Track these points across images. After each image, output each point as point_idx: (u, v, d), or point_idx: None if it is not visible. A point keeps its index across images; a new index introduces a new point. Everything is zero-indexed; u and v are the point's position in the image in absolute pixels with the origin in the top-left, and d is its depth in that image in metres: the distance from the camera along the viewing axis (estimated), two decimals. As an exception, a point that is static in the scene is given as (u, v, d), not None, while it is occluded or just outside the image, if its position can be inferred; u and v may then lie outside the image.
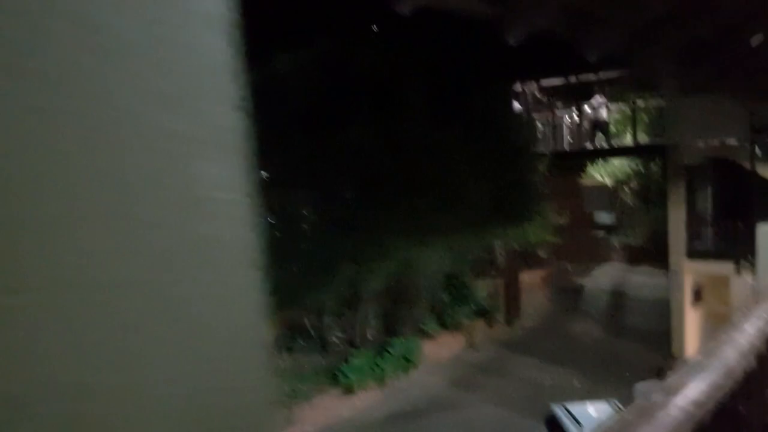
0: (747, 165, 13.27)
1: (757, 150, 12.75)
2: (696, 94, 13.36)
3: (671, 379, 1.22)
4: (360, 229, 12.57)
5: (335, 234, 12.67)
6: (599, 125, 17.98)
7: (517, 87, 18.87)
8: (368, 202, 13.08)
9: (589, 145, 18.48)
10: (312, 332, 13.55)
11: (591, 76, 17.19)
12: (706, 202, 15.18)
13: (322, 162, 12.72)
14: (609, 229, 22.25)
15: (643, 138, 18.95)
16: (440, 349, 15.50)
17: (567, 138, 19.38)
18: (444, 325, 15.72)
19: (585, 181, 22.63)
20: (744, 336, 1.56)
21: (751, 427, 1.66)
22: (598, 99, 18.18)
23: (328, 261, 12.24)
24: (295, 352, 13.42)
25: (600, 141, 18.25)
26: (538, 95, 20.20)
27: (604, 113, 18.01)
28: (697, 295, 15.15)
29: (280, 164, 13.77)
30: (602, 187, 22.37)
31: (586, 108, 18.37)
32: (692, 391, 1.17)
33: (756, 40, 6.62)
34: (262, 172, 14.38)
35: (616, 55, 7.33)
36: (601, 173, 22.41)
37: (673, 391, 1.15)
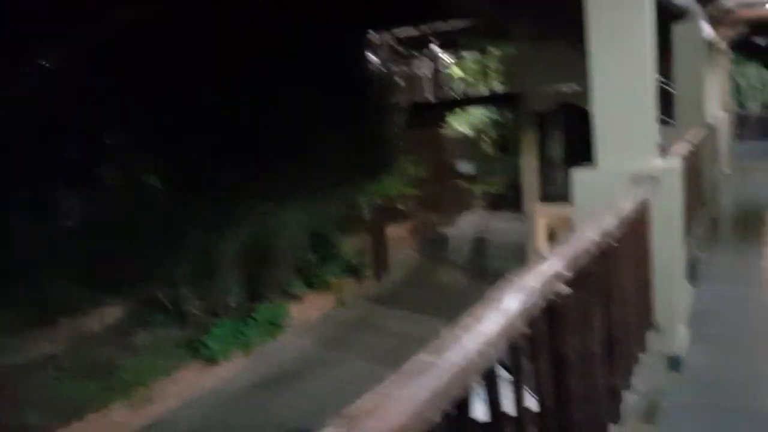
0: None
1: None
2: (542, 41, 13.63)
3: (366, 400, 0.91)
4: (211, 193, 11.96)
5: (184, 199, 11.98)
6: (438, 75, 18.11)
7: (374, 38, 18.56)
8: (219, 164, 12.44)
9: (446, 96, 18.58)
10: (168, 305, 12.86)
11: (444, 26, 17.14)
12: (556, 148, 15.73)
13: (168, 124, 11.93)
14: (470, 178, 22.67)
15: (498, 87, 19.28)
16: (309, 309, 15.26)
17: (426, 89, 19.39)
18: (312, 286, 15.44)
19: (446, 132, 22.86)
20: (494, 322, 1.27)
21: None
22: (434, 49, 18.23)
23: (177, 228, 11.57)
24: (152, 327, 12.72)
25: (447, 91, 18.44)
26: (396, 46, 19.97)
27: (442, 63, 18.16)
28: (551, 237, 15.80)
29: (122, 128, 12.84)
30: (462, 138, 22.71)
31: (427, 58, 18.42)
32: (394, 414, 0.87)
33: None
34: (104, 137, 13.38)
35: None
36: (461, 124, 22.71)
37: (361, 419, 0.85)
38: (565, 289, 1.74)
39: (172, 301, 12.92)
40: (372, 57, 18.01)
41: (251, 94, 12.10)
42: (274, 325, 13.65)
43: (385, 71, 18.18)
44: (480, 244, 20.15)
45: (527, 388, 1.54)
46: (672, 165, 3.71)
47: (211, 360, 12.46)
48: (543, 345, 1.62)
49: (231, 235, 12.46)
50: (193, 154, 12.78)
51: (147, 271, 12.06)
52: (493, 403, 1.32)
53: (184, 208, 11.94)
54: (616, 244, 2.34)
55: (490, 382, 1.30)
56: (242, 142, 12.13)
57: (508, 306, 1.36)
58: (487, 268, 18.49)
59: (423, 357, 1.06)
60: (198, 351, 12.40)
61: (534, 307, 1.50)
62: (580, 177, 3.57)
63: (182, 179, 12.55)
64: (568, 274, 1.77)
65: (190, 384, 12.18)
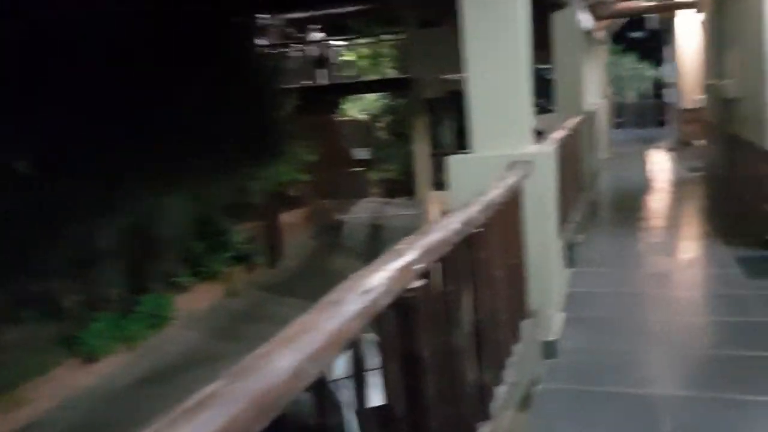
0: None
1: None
2: (430, 27, 13.66)
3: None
4: (89, 179, 11.25)
5: (59, 185, 11.21)
6: (322, 60, 17.96)
7: (264, 22, 18.09)
8: (98, 149, 11.72)
9: (339, 80, 18.40)
10: (42, 299, 12.02)
11: (335, 10, 16.90)
12: (447, 135, 15.89)
13: (42, 106, 11.10)
14: (366, 164, 22.62)
15: (392, 73, 19.28)
16: (197, 300, 14.71)
17: (318, 74, 19.11)
18: (199, 275, 14.88)
19: (340, 117, 22.68)
20: (321, 330, 1.07)
21: None
22: (325, 34, 18.06)
23: (51, 217, 10.82)
24: (23, 323, 11.83)
25: (340, 76, 18.31)
26: (286, 30, 19.56)
27: (334, 49, 18.03)
28: (443, 223, 16.01)
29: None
30: (358, 123, 22.60)
31: (319, 42, 18.23)
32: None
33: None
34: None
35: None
36: (354, 109, 22.59)
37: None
38: (418, 283, 1.61)
39: (46, 294, 12.09)
40: (261, 41, 17.55)
41: (134, 78, 11.48)
42: (159, 318, 13.06)
43: (275, 55, 17.76)
44: (375, 231, 20.16)
45: (375, 395, 1.39)
46: (546, 150, 3.70)
47: (91, 356, 11.77)
48: (392, 346, 1.48)
49: (111, 224, 11.81)
50: (69, 138, 12.00)
51: (17, 264, 11.21)
52: (323, 423, 1.16)
53: (59, 194, 11.17)
54: (481, 231, 2.24)
55: (320, 399, 1.13)
56: (123, 126, 11.49)
57: (345, 308, 1.19)
58: (380, 254, 18.54)
59: (211, 386, 0.87)
60: (76, 347, 11.67)
61: (379, 306, 1.34)
62: (455, 164, 3.49)
63: (57, 164, 11.73)
64: (423, 267, 1.64)
65: (67, 383, 11.46)
